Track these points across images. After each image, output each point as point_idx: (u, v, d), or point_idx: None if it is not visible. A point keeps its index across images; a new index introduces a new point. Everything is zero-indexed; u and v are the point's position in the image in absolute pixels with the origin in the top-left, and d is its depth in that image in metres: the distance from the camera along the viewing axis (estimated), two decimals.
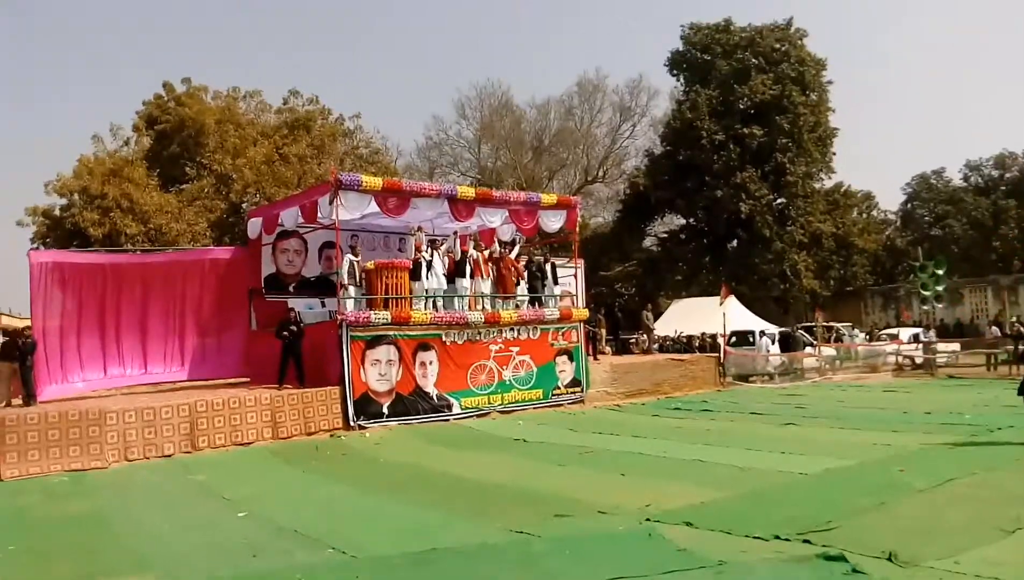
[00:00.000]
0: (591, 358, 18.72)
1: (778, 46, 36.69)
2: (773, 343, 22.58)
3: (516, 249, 16.60)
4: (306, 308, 15.32)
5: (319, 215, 14.26)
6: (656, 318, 29.95)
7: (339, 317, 13.08)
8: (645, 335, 23.85)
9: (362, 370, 13.06)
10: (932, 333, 24.53)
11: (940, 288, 24.17)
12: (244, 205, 28.16)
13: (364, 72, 70.77)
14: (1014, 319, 27.85)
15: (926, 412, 13.13)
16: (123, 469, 10.26)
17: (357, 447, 11.44)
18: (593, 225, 43.16)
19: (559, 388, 15.91)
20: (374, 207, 13.97)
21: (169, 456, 10.92)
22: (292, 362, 13.35)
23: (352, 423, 12.71)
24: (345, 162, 31.77)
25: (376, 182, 14.13)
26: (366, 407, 12.97)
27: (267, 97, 33.32)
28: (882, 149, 70.45)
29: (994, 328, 26.92)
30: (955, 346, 24.49)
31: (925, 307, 25.67)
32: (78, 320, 13.85)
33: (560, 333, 16.16)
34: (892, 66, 71.60)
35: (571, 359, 16.26)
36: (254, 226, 16.14)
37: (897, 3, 71.06)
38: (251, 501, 7.94)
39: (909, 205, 48.08)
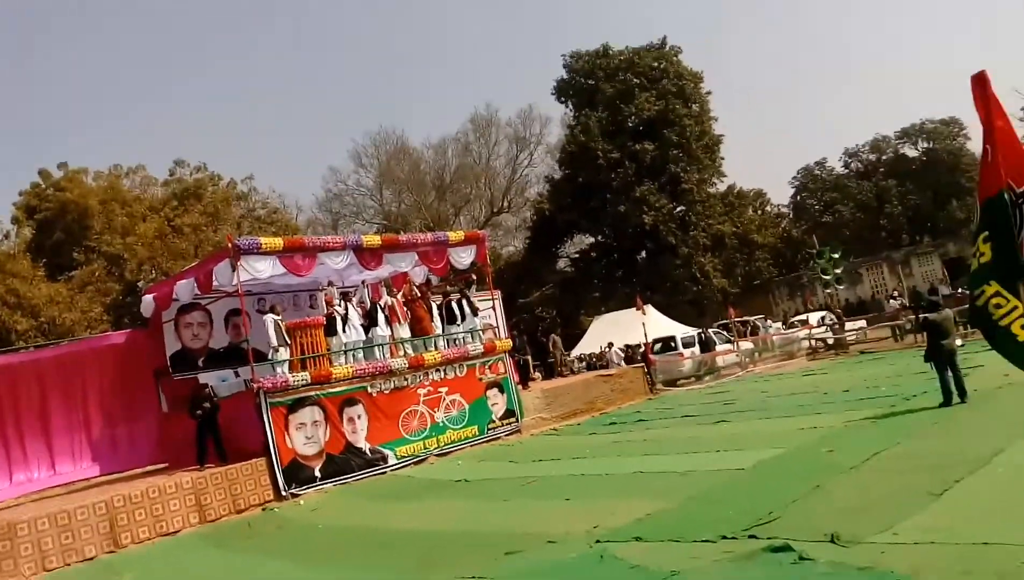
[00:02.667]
0: (523, 386, 18.67)
1: (656, 64, 38.36)
2: (693, 345, 23.18)
3: (445, 288, 16.46)
4: (219, 381, 14.62)
5: (215, 283, 13.69)
6: (579, 338, 30.37)
7: (256, 385, 12.53)
8: (555, 358, 23.98)
9: (287, 436, 12.51)
10: (834, 315, 25.75)
11: (838, 271, 25.47)
12: (140, 283, 26.98)
13: (251, 133, 69.52)
14: (895, 293, 29.67)
15: (844, 390, 13.65)
16: None
17: (292, 517, 10.90)
18: (505, 254, 43.55)
19: (494, 421, 15.73)
20: (279, 268, 13.54)
21: (91, 559, 10.07)
22: (211, 439, 12.67)
23: (284, 493, 12.11)
24: (243, 225, 31.03)
25: (276, 242, 13.70)
26: (296, 473, 12.40)
27: (151, 170, 32.45)
28: (765, 148, 74.30)
29: (892, 302, 28.51)
30: (862, 323, 25.78)
31: (828, 290, 26.96)
32: None
33: (487, 366, 16.03)
34: (761, 68, 75.88)
35: (502, 391, 16.12)
36: (147, 304, 15.32)
37: (757, 7, 75.62)
38: None
39: (799, 197, 50.79)
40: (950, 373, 10.05)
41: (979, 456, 6.84)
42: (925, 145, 47.39)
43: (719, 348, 23.58)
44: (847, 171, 49.61)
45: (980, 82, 4.04)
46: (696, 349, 23.22)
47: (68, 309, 25.41)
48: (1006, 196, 3.98)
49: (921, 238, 45.06)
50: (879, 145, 48.89)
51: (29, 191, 29.34)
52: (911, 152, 48.48)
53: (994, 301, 4.08)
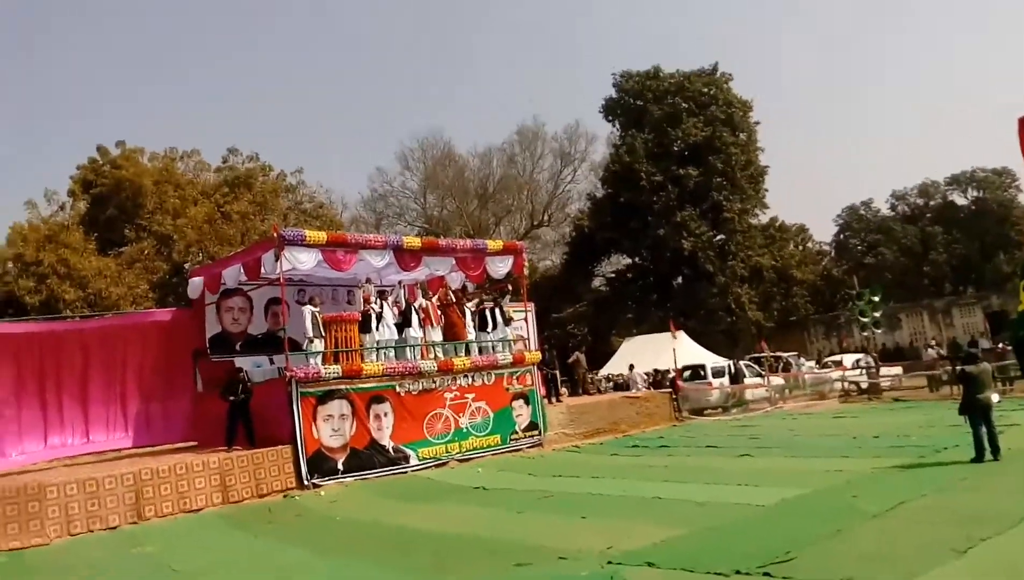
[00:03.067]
0: (551, 400, 18.71)
1: (706, 90, 38.24)
2: (722, 375, 22.97)
3: (480, 296, 16.66)
4: (254, 366, 14.98)
5: (262, 271, 14.05)
6: (609, 357, 30.28)
7: (288, 374, 12.81)
8: (578, 376, 23.79)
9: (314, 427, 12.77)
10: (870, 358, 25.30)
11: (877, 314, 25.04)
12: (187, 265, 27.66)
13: (304, 128, 70.91)
14: (933, 342, 29.05)
15: (874, 436, 13.44)
16: (66, 544, 9.72)
17: (312, 507, 11.11)
18: (542, 268, 43.65)
19: (517, 432, 15.81)
20: (321, 261, 13.85)
21: (114, 528, 10.41)
22: (241, 423, 12.98)
23: (306, 482, 12.36)
24: (289, 217, 31.62)
25: (320, 236, 14.04)
26: (320, 464, 12.65)
27: (206, 156, 33.17)
28: (812, 183, 73.40)
29: (930, 350, 27.92)
30: (898, 370, 25.27)
31: (865, 333, 26.51)
32: (15, 391, 13.26)
33: (515, 377, 16.13)
34: (813, 103, 75.09)
35: (527, 403, 16.21)
36: (195, 286, 15.79)
37: (815, 45, 74.90)
38: (202, 573, 7.63)
39: (842, 236, 50.01)
40: (984, 428, 9.85)
41: (1008, 515, 6.71)
42: (975, 194, 46.39)
43: (748, 381, 23.32)
44: (893, 213, 48.74)
45: None
46: (725, 380, 23.00)
47: (115, 283, 26.17)
48: None
49: (965, 289, 44.02)
50: (927, 190, 47.98)
51: (87, 166, 30.26)
52: (960, 200, 47.50)
53: None
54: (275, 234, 13.46)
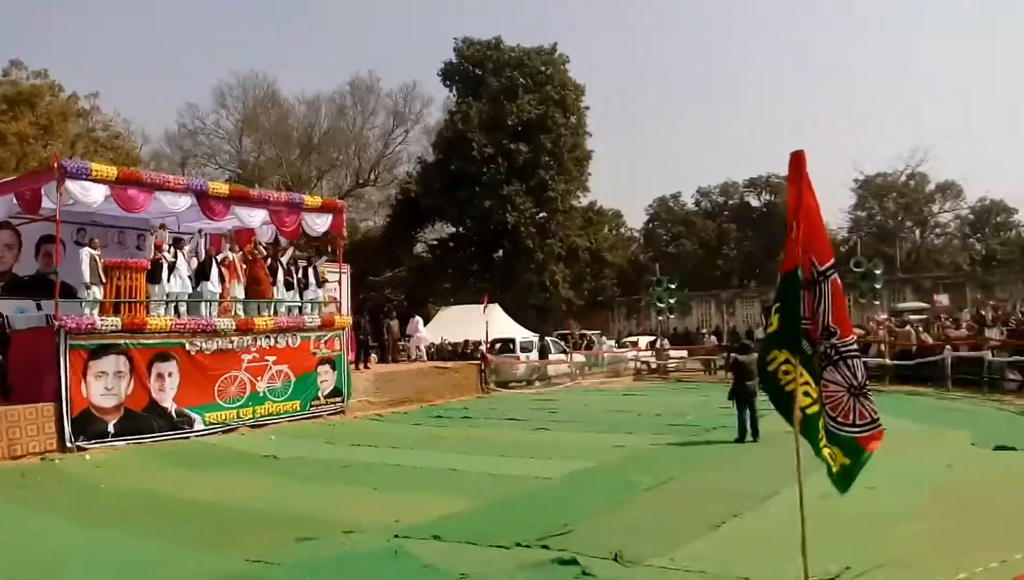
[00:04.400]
0: (362, 367, 18.28)
1: (543, 69, 38.98)
2: (531, 350, 23.79)
3: (289, 253, 15.77)
4: (16, 311, 13.19)
5: (43, 205, 12.35)
6: (425, 325, 30.21)
7: (57, 323, 11.38)
8: (388, 342, 23.32)
9: (83, 383, 11.46)
10: (666, 341, 27.43)
11: (673, 301, 27.12)
12: None
13: (106, 46, 63.37)
14: (704, 331, 32.17)
15: (657, 414, 14.56)
16: None
17: (75, 472, 10.02)
18: (363, 229, 42.59)
19: (319, 398, 15.30)
20: (110, 197, 12.40)
21: None
22: None
23: (69, 444, 11.11)
24: (77, 145, 28.22)
25: (110, 171, 12.54)
26: (87, 426, 11.40)
27: None
28: (630, 172, 77.73)
29: (713, 337, 30.76)
30: (683, 353, 27.62)
31: (660, 317, 28.64)
32: None
33: (323, 341, 15.56)
34: (639, 94, 79.38)
35: (333, 368, 15.72)
36: None
37: (648, 40, 79.00)
38: None
39: (651, 225, 53.71)
40: (748, 412, 10.96)
41: (758, 494, 7.46)
42: (768, 197, 51.62)
43: (553, 356, 24.35)
44: (697, 208, 53.05)
45: (797, 161, 4.38)
46: (533, 354, 23.85)
47: None
48: (799, 273, 4.35)
49: (748, 282, 49.03)
50: (728, 189, 52.76)
51: None
52: (754, 201, 52.68)
53: (783, 367, 4.42)
54: (56, 164, 11.85)
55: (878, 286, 24.11)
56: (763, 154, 78.21)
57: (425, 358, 22.93)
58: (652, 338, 29.08)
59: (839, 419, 4.40)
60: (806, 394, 4.38)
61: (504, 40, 39.54)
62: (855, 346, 4.49)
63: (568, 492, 8.16)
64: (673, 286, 27.01)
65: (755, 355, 11.61)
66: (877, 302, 24.96)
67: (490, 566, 5.54)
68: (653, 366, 25.77)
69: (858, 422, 4.37)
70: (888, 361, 19.49)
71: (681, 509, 7.20)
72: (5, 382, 11.52)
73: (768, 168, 51.24)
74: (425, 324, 30.95)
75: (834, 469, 4.35)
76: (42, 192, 12.22)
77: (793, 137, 65.63)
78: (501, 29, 71.57)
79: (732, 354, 12.21)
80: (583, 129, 40.28)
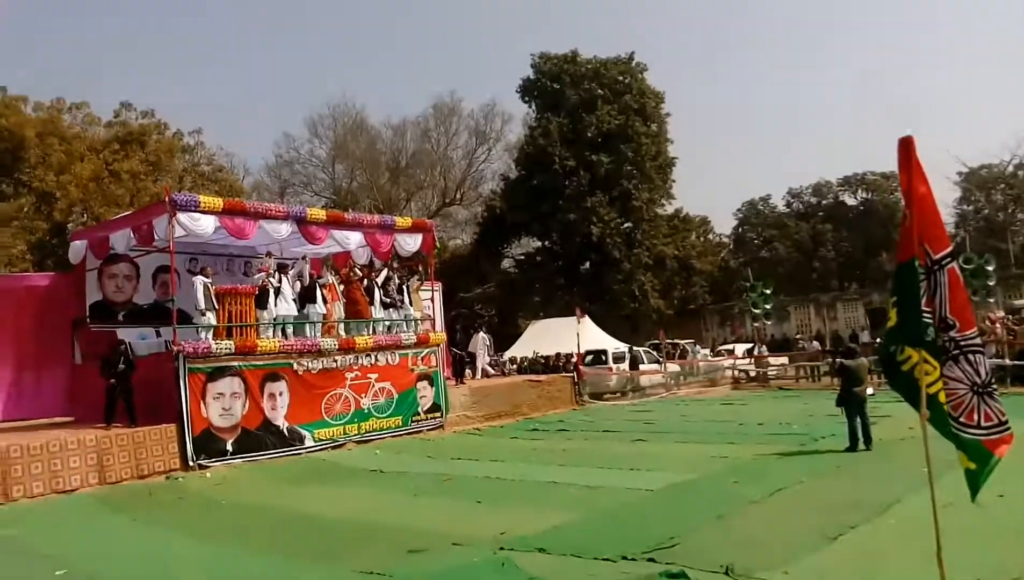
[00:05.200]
0: (459, 382, 18.60)
1: (621, 78, 38.81)
2: (623, 361, 23.57)
3: (383, 274, 16.27)
4: (138, 338, 14.14)
5: (156, 237, 13.25)
6: (515, 339, 30.48)
7: (176, 348, 12.15)
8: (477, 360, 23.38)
9: (202, 405, 12.18)
10: (763, 348, 26.55)
11: (768, 306, 26.27)
12: (69, 225, 25.86)
13: (207, 86, 67.33)
14: (798, 337, 30.71)
15: (759, 423, 14.12)
16: None
17: (196, 489, 10.64)
18: (452, 247, 43.39)
19: (419, 414, 15.66)
20: (219, 228, 13.18)
21: None
22: (122, 399, 12.23)
23: (191, 463, 11.80)
24: (184, 180, 30.07)
25: (216, 202, 13.31)
26: (207, 445, 12.08)
27: (96, 110, 30.92)
28: (716, 177, 76.08)
29: (815, 342, 29.57)
30: (784, 359, 26.68)
31: (756, 324, 27.80)
32: None
33: (419, 357, 15.95)
34: (725, 100, 77.67)
35: (431, 384, 16.08)
36: (77, 250, 14.74)
37: (729, 43, 77.35)
38: (73, 557, 7.13)
39: (740, 229, 52.24)
40: (858, 419, 10.49)
41: (875, 504, 7.14)
42: (864, 195, 49.33)
43: (646, 367, 24.02)
44: (788, 210, 51.26)
45: (906, 147, 4.15)
46: (625, 365, 23.62)
47: None
48: (916, 263, 4.13)
49: (849, 284, 46.88)
50: (821, 189, 50.69)
51: None
52: (850, 200, 50.44)
53: (924, 368, 4.16)
54: (166, 198, 12.69)
55: (991, 283, 22.73)
56: (856, 151, 75.01)
57: (491, 374, 22.82)
58: (749, 345, 28.24)
59: (962, 420, 4.08)
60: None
61: (580, 52, 39.68)
62: (977, 339, 4.16)
63: (671, 504, 8.02)
64: (768, 291, 26.20)
65: (863, 360, 11.18)
66: (992, 299, 23.43)
67: (596, 579, 5.53)
68: (752, 374, 25.01)
69: (984, 423, 4.06)
70: (1008, 361, 18.31)
71: (792, 521, 6.96)
72: (131, 406, 12.34)
73: (863, 165, 49.02)
74: (516, 339, 31.28)
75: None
76: (155, 225, 13.07)
77: (888, 132, 62.69)
78: (577, 42, 71.68)
79: (838, 359, 11.71)
80: (664, 136, 39.81)
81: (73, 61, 61.39)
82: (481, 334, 23.79)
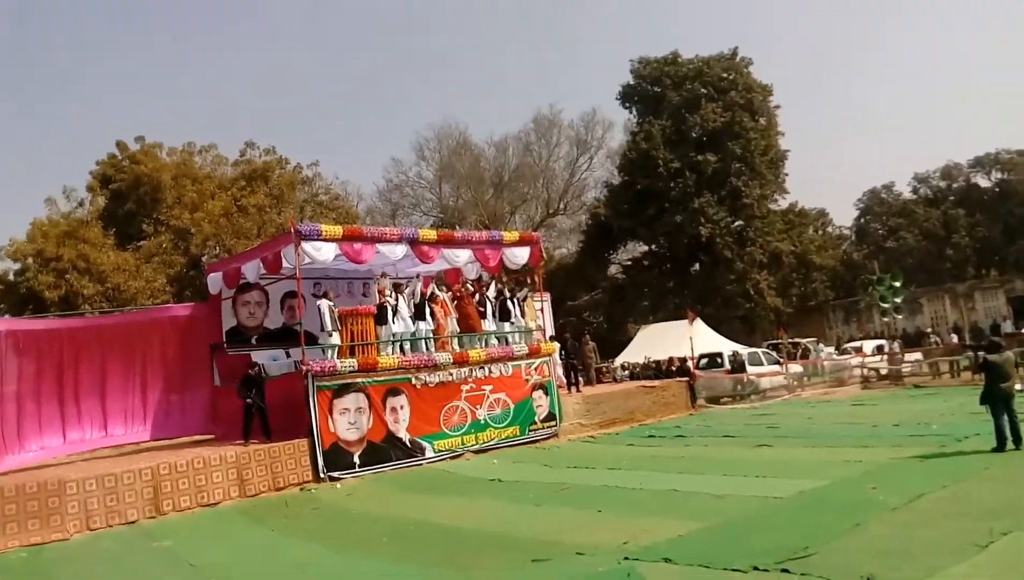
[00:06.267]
0: (573, 390, 18.60)
1: (725, 75, 37.76)
2: (741, 363, 22.74)
3: (492, 287, 16.54)
4: (270, 360, 15.07)
5: (283, 265, 14.07)
6: (625, 345, 30.15)
7: (304, 368, 12.85)
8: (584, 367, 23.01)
9: (330, 420, 12.81)
10: (896, 344, 24.93)
11: (898, 300, 24.69)
12: (204, 258, 27.84)
13: (320, 120, 70.99)
14: (929, 330, 28.50)
15: (894, 424, 13.28)
16: (85, 540, 9.85)
17: (328, 500, 11.18)
18: (558, 256, 43.51)
19: (536, 423, 15.79)
20: (338, 254, 13.87)
21: (133, 522, 10.53)
22: (257, 417, 13.05)
23: (322, 475, 12.41)
24: (305, 209, 31.71)
25: (336, 230, 14.04)
26: (336, 458, 12.69)
27: (223, 150, 33.27)
28: (832, 168, 72.45)
29: (953, 336, 27.52)
30: (918, 355, 24.95)
31: (885, 319, 26.18)
32: (35, 387, 13.40)
33: (533, 368, 16.10)
34: (835, 87, 74.00)
35: (546, 393, 16.20)
36: (214, 281, 15.87)
37: (835, 27, 73.73)
38: (218, 567, 7.68)
39: (862, 220, 49.38)
40: (1006, 418, 9.70)
41: None
42: (999, 176, 45.56)
43: (766, 369, 23.11)
44: (915, 197, 48.03)
45: None
46: (744, 367, 22.79)
47: (133, 277, 26.41)
48: None
49: (987, 272, 43.34)
50: (950, 172, 47.18)
51: (105, 161, 30.48)
52: (984, 182, 46.68)
53: None
54: (291, 228, 13.47)
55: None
56: (986, 130, 69.38)
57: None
58: (880, 342, 26.57)
59: None
60: None
61: (681, 53, 38.95)
62: None
63: (802, 512, 7.68)
64: (897, 284, 24.63)
65: (1008, 354, 10.33)
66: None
67: None
68: (883, 372, 23.51)
69: None
70: None
71: (938, 529, 6.50)
72: (266, 423, 13.14)
73: (996, 144, 45.24)
74: (626, 344, 30.92)
75: None
76: (282, 254, 13.90)
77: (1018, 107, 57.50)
78: (678, 43, 70.49)
79: (981, 353, 10.86)
80: (774, 130, 38.34)
81: (201, 106, 66.40)
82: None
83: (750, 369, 22.23)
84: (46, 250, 25.88)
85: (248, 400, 13.01)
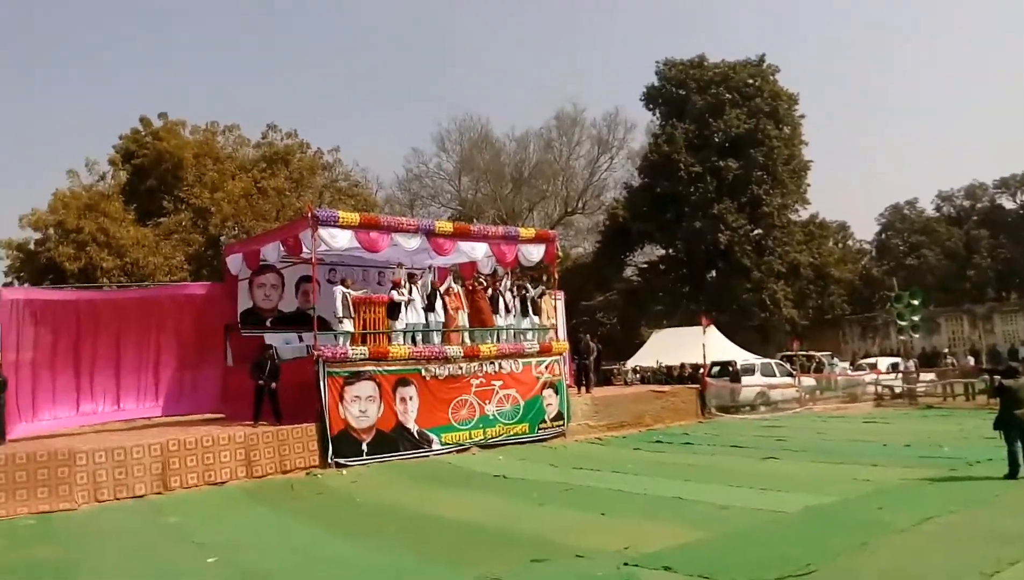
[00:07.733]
0: (583, 391, 18.57)
1: (751, 81, 37.43)
2: (754, 373, 22.61)
3: (505, 282, 16.52)
4: (283, 343, 15.16)
5: (304, 249, 14.17)
6: (637, 349, 30.04)
7: (316, 353, 12.91)
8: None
9: (341, 406, 12.87)
10: (911, 363, 24.66)
11: (916, 318, 24.42)
12: (222, 238, 28.01)
13: (343, 107, 71.12)
14: (945, 352, 28.18)
15: (906, 445, 13.14)
16: (92, 511, 9.98)
17: (334, 486, 11.24)
18: (574, 255, 43.36)
19: (545, 422, 15.79)
20: (354, 242, 13.91)
21: (140, 497, 10.66)
22: (267, 399, 13.14)
23: (329, 461, 12.48)
24: (324, 195, 31.80)
25: (353, 218, 14.08)
26: (345, 444, 12.75)
27: (245, 131, 33.39)
28: (855, 181, 71.77)
29: (969, 358, 27.18)
30: (932, 375, 24.67)
31: (902, 336, 25.90)
32: (50, 357, 13.61)
33: (543, 366, 16.08)
34: (862, 99, 73.26)
35: (556, 392, 16.19)
36: (235, 262, 15.97)
37: (866, 40, 72.92)
38: (222, 546, 7.75)
39: (884, 235, 48.86)
40: (1020, 444, 9.55)
41: None
42: None
43: (779, 380, 22.94)
44: (938, 215, 47.47)
45: None
46: (755, 378, 22.64)
47: (152, 253, 26.63)
48: None
49: (1008, 295, 42.77)
50: (975, 192, 46.60)
51: (128, 136, 30.70)
52: (1008, 204, 46.08)
53: None
54: (309, 213, 13.53)
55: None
56: (1013, 151, 68.38)
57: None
58: (895, 359, 26.28)
59: None
60: None
61: (708, 57, 38.64)
62: None
63: (807, 528, 7.59)
64: (916, 301, 24.33)
65: None
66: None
67: None
68: (897, 390, 23.27)
69: None
70: None
71: (944, 553, 6.42)
72: (277, 405, 13.22)
73: (1023, 165, 44.54)
74: (638, 347, 30.81)
75: None
76: (301, 238, 13.97)
77: None
78: (704, 47, 70.03)
79: (997, 377, 10.70)
80: (798, 139, 37.95)
81: (225, 86, 66.77)
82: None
83: (746, 379, 22.05)
84: (67, 221, 26.14)
85: (260, 382, 13.09)
